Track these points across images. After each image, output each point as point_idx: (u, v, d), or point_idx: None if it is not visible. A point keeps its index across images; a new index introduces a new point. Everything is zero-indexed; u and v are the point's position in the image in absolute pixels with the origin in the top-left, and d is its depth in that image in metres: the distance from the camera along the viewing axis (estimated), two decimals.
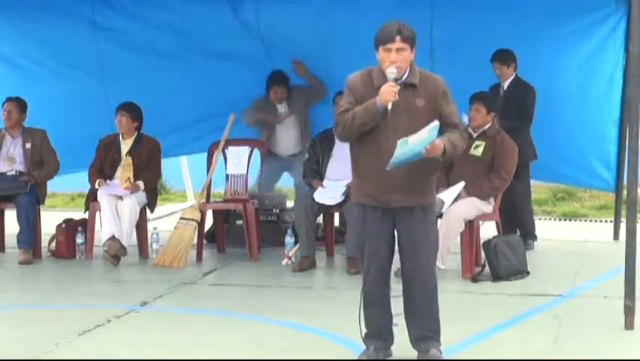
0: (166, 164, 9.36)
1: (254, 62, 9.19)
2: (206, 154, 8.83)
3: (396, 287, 5.16)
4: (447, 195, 7.34)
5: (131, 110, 8.47)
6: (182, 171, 11.61)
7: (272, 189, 9.54)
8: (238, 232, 8.69)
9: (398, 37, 4.91)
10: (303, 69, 9.17)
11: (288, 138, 9.20)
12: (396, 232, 5.07)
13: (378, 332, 5.13)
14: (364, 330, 5.13)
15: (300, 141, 9.20)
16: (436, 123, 4.82)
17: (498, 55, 8.46)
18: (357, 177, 5.12)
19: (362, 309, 5.10)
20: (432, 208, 5.10)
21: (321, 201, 7.89)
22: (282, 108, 9.14)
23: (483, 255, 7.44)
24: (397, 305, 5.15)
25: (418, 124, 4.87)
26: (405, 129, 4.85)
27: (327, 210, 8.13)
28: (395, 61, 4.91)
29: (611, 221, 9.62)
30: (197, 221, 8.21)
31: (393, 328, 5.20)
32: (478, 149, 7.66)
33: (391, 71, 4.90)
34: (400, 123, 4.88)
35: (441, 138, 4.89)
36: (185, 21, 9.12)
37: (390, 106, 4.85)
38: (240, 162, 8.70)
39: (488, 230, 8.01)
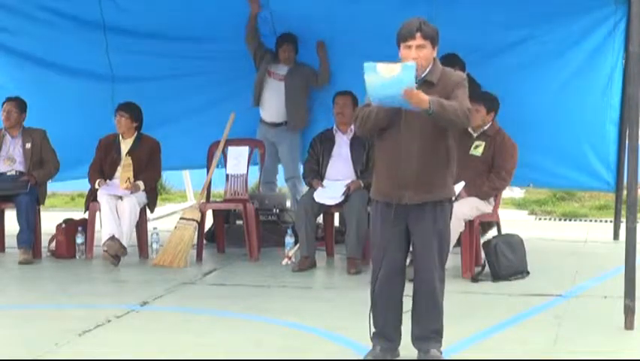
0: None
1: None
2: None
3: (408, 286, 5.14)
4: None
5: (131, 110, 8.47)
6: (182, 171, 11.60)
7: (274, 163, 9.37)
8: (238, 232, 8.69)
9: (419, 34, 4.90)
10: (323, 51, 9.14)
11: (270, 103, 9.16)
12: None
13: (385, 332, 5.12)
14: (372, 329, 5.12)
15: (284, 113, 9.16)
16: (411, 63, 4.76)
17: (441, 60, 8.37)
18: (375, 175, 5.16)
19: (371, 308, 5.09)
20: (444, 205, 5.04)
21: (321, 201, 7.89)
22: (281, 70, 9.13)
23: (483, 255, 7.44)
24: (407, 304, 5.14)
25: (431, 122, 4.88)
26: (418, 127, 4.88)
27: (327, 210, 8.13)
28: (416, 58, 4.90)
29: (611, 221, 9.63)
30: (197, 221, 8.21)
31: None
32: (478, 149, 7.66)
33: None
34: (414, 121, 4.89)
35: (430, 97, 4.80)
36: (194, 22, 9.13)
37: None
38: (240, 162, 8.69)
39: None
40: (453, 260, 7.53)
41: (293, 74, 9.11)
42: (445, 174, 5.04)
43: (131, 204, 8.16)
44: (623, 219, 6.71)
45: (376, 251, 5.08)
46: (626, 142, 7.26)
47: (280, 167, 9.54)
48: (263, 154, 8.86)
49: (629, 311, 5.79)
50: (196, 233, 8.21)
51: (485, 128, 7.73)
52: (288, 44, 9.06)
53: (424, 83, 4.94)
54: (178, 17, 9.16)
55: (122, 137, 8.52)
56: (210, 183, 8.69)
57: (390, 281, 5.06)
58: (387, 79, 4.70)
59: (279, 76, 9.14)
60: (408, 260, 5.20)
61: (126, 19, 9.27)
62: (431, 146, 4.93)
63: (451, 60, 8.29)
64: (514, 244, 7.47)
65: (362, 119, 4.98)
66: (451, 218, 5.15)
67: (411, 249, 5.14)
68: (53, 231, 8.55)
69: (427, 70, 4.97)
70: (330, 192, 7.92)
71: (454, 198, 7.28)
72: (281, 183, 9.75)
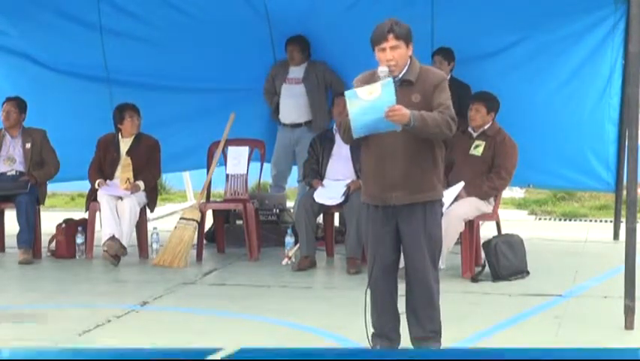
0: None
1: (260, 53, 9.28)
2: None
3: (400, 287, 5.15)
4: (447, 195, 7.33)
5: (138, 110, 8.48)
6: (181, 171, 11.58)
7: (287, 166, 9.35)
8: (238, 232, 8.69)
9: (390, 35, 4.91)
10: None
11: (289, 105, 9.09)
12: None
13: (384, 331, 5.12)
14: (371, 330, 5.12)
15: (306, 112, 9.08)
16: (389, 79, 4.77)
17: (442, 50, 8.42)
18: (362, 178, 5.19)
19: (368, 309, 5.09)
20: (434, 205, 5.04)
21: (321, 201, 7.89)
22: (293, 73, 9.11)
23: (483, 255, 7.44)
24: (401, 305, 5.14)
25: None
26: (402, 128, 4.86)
27: (327, 210, 8.14)
28: (391, 59, 4.90)
29: (611, 221, 9.62)
30: (197, 221, 8.21)
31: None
32: (478, 149, 7.66)
33: (382, 70, 4.89)
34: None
35: (411, 110, 4.81)
36: (193, 25, 9.13)
37: None
38: (240, 162, 8.69)
39: (488, 230, 8.01)
40: (453, 260, 7.56)
41: (309, 74, 9.05)
42: (432, 175, 5.02)
43: (131, 204, 8.16)
44: (623, 219, 6.72)
45: (368, 253, 5.09)
46: (626, 142, 7.26)
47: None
48: (263, 154, 8.86)
49: (629, 311, 5.79)
50: (196, 233, 8.21)
51: (485, 128, 7.73)
52: (291, 44, 9.02)
53: (403, 83, 4.95)
54: (176, 20, 9.15)
55: (122, 136, 8.52)
56: (210, 183, 8.69)
57: (384, 281, 5.07)
58: (369, 102, 4.72)
59: (295, 80, 9.08)
60: (401, 262, 5.18)
61: (124, 22, 9.26)
62: (417, 146, 4.92)
63: (449, 52, 8.35)
64: (514, 244, 7.47)
65: (344, 128, 4.98)
66: (441, 219, 5.15)
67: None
68: (53, 231, 8.55)
69: (405, 69, 4.97)
70: (330, 192, 7.92)
71: (453, 198, 7.39)
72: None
